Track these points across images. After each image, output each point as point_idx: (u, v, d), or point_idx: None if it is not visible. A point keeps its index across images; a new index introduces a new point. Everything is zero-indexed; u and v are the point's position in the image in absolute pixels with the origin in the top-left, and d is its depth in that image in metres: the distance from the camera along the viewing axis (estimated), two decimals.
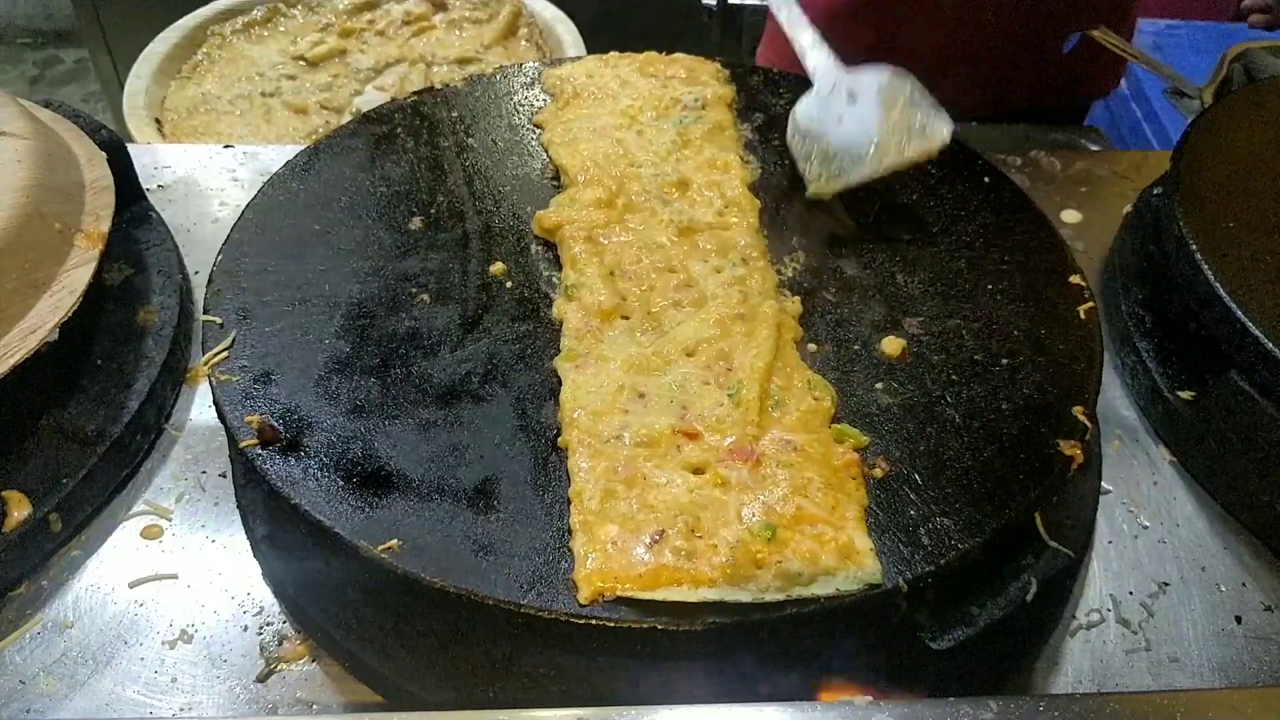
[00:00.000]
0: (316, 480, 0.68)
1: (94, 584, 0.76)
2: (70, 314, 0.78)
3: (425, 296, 0.83)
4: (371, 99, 1.60)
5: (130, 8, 2.17)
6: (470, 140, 1.02)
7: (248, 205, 0.91)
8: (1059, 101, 1.47)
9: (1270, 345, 0.74)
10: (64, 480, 0.76)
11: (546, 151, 1.00)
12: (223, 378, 0.74)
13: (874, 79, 0.93)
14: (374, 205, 0.93)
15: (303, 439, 0.71)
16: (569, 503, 0.67)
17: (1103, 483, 0.83)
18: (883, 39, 1.38)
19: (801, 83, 1.10)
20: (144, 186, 1.03)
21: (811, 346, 0.80)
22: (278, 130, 1.54)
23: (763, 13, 2.18)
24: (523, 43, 1.76)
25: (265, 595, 0.75)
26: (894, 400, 0.75)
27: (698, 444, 0.69)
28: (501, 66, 1.15)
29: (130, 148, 1.02)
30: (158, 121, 1.55)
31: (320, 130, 1.53)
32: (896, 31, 1.37)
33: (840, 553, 0.63)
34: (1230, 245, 0.83)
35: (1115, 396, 0.91)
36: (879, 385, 0.77)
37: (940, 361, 0.79)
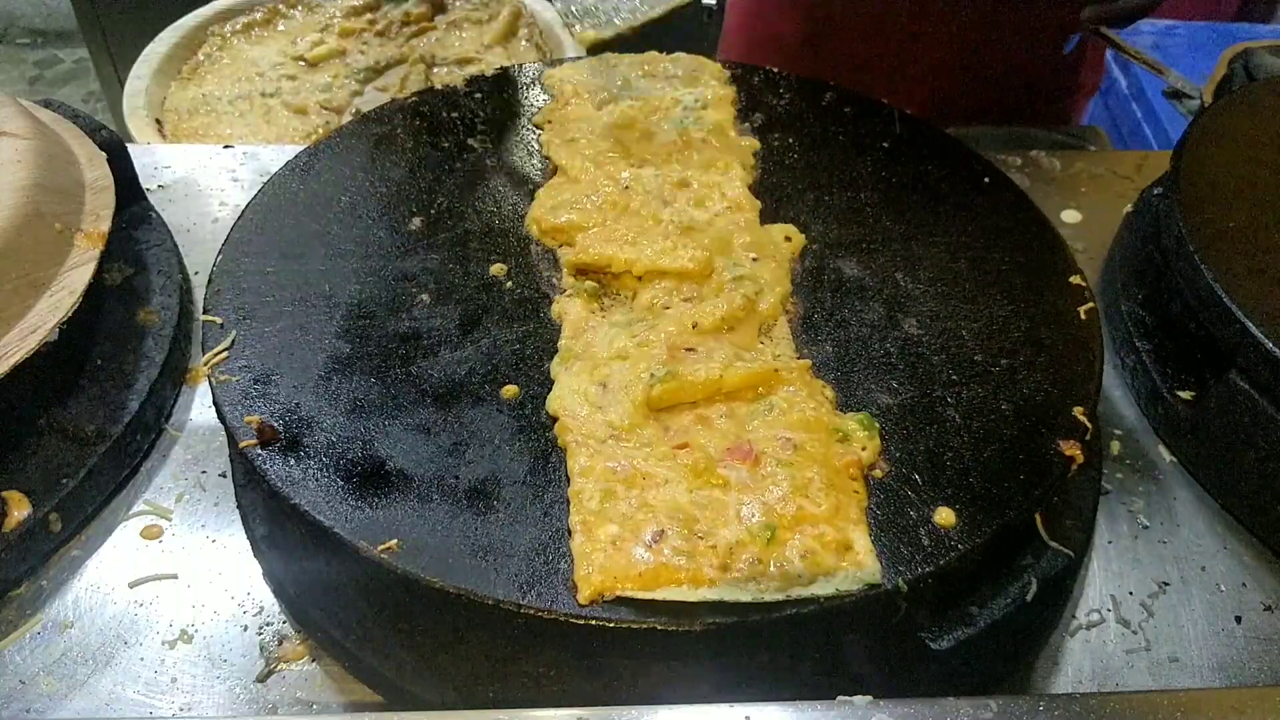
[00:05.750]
0: (316, 480, 0.68)
1: (94, 584, 0.76)
2: (70, 314, 0.78)
3: (425, 296, 0.83)
4: (371, 99, 1.60)
5: (130, 8, 2.17)
6: (470, 140, 1.02)
7: (248, 205, 0.91)
8: (1046, 101, 1.47)
9: (1270, 345, 0.74)
10: (64, 480, 0.76)
11: (546, 151, 1.00)
12: (223, 378, 0.74)
13: None
14: (374, 205, 0.93)
15: (303, 439, 0.71)
16: (568, 503, 0.67)
17: (1103, 483, 0.83)
18: (861, 29, 1.38)
19: (801, 83, 1.10)
20: (144, 186, 1.03)
21: (811, 347, 0.80)
22: (278, 130, 1.54)
23: None
24: (523, 43, 1.76)
25: (265, 595, 0.75)
26: (894, 400, 0.75)
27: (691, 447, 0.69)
28: (501, 67, 1.15)
29: (130, 148, 1.02)
30: (158, 122, 1.55)
31: (320, 130, 1.53)
32: (878, 20, 1.37)
33: (840, 553, 0.63)
34: (1230, 245, 0.83)
35: (1115, 396, 0.91)
36: (879, 385, 0.76)
37: (940, 361, 0.79)
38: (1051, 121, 1.43)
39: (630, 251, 0.84)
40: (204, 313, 0.80)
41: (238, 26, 1.75)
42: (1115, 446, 0.87)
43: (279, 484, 0.67)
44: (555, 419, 0.73)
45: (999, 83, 1.40)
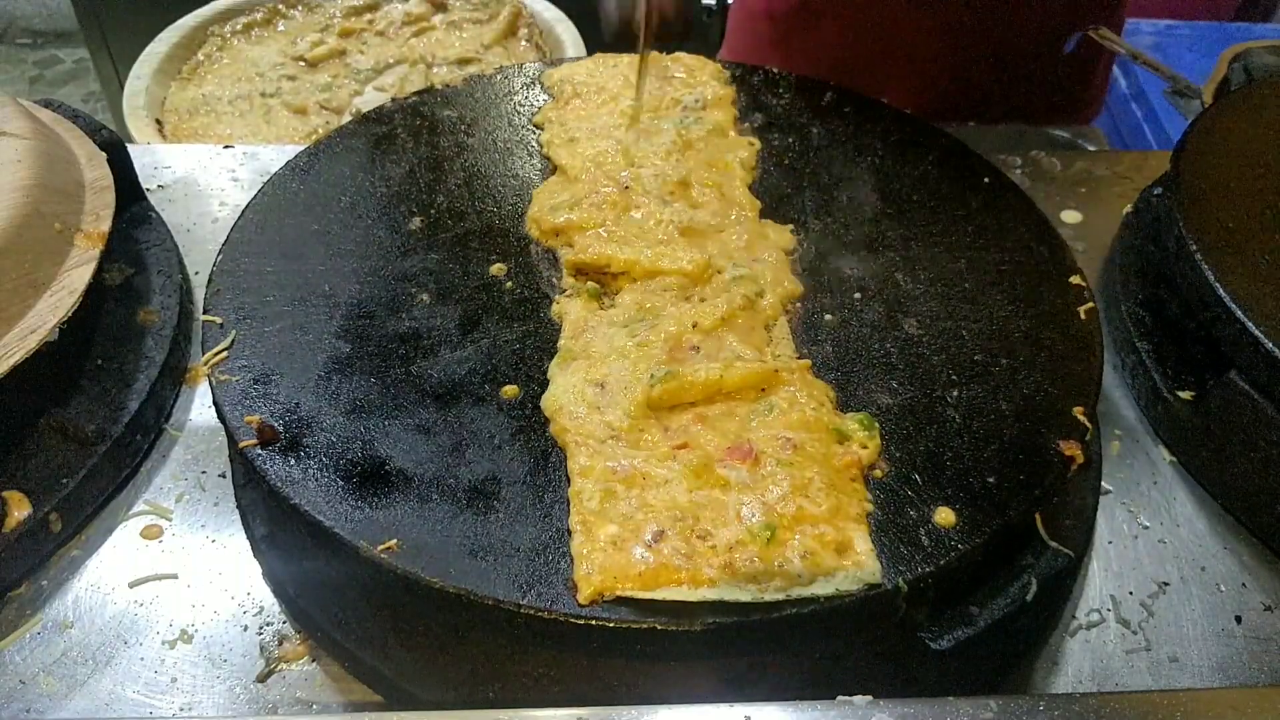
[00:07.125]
0: (316, 480, 0.68)
1: (94, 584, 0.76)
2: (70, 314, 0.78)
3: (425, 296, 0.83)
4: (371, 99, 1.60)
5: (130, 8, 2.18)
6: (470, 140, 1.02)
7: (248, 205, 0.91)
8: (1047, 105, 1.47)
9: (1270, 345, 0.74)
10: (64, 480, 0.76)
11: (546, 151, 1.00)
12: (223, 378, 0.74)
13: None
14: (374, 205, 0.93)
15: (303, 439, 0.71)
16: (568, 503, 0.67)
17: (1103, 483, 0.83)
18: (861, 36, 1.37)
19: (801, 83, 1.10)
20: (144, 186, 1.03)
21: (811, 347, 0.80)
22: (278, 130, 1.55)
23: None
24: (523, 43, 1.76)
25: (265, 595, 0.75)
26: (894, 400, 0.75)
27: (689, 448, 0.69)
28: (501, 67, 1.15)
29: (130, 148, 1.02)
30: (158, 122, 1.55)
31: (320, 130, 1.53)
32: (876, 28, 1.37)
33: (840, 553, 0.63)
34: (1230, 245, 0.83)
35: (1115, 396, 0.91)
36: (879, 385, 0.76)
37: (940, 361, 0.79)
38: (1053, 123, 1.42)
39: (630, 252, 0.84)
40: (204, 313, 0.80)
41: (238, 26, 1.75)
42: (1115, 446, 0.87)
43: (279, 484, 0.67)
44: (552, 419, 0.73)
45: (997, 82, 1.40)
